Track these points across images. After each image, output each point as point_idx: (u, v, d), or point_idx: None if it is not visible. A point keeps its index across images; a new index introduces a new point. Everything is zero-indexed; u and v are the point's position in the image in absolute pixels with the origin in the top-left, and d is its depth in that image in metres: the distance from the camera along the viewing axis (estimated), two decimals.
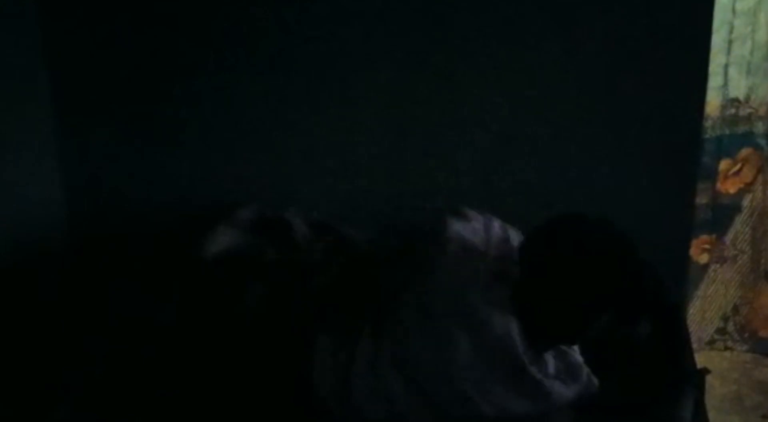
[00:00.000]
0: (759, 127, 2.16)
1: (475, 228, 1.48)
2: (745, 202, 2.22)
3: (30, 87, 2.00)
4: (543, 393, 1.28)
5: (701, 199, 2.12)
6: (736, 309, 2.33)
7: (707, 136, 2.08)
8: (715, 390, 2.12)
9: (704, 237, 2.24)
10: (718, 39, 1.97)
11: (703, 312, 2.33)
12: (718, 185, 2.20)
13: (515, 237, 1.50)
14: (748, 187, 2.21)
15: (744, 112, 2.14)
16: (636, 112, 1.88)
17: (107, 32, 2.01)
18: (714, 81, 2.01)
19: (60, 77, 2.04)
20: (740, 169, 2.20)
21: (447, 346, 1.29)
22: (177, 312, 1.54)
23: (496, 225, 1.51)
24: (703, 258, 2.27)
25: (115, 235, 2.02)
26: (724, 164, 2.19)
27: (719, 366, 2.27)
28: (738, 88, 2.11)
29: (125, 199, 2.09)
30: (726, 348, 2.33)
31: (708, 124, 2.06)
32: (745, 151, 2.18)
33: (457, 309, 1.32)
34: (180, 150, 2.07)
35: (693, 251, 2.17)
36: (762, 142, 2.17)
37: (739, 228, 2.25)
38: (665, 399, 1.35)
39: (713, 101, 2.08)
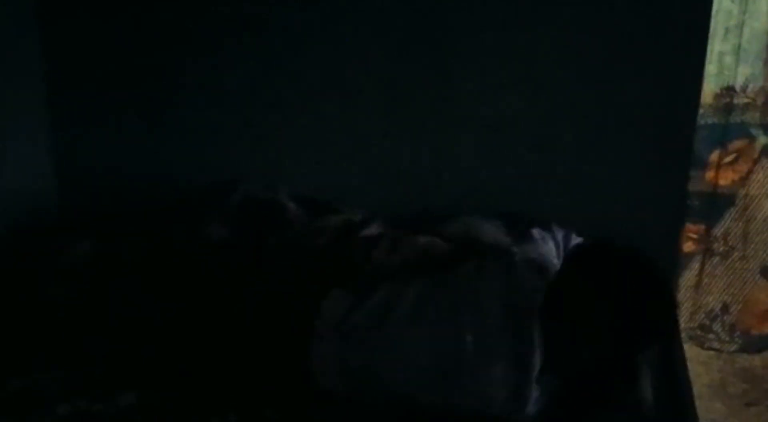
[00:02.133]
0: (756, 118, 2.14)
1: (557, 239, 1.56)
2: (739, 195, 2.21)
3: (23, 75, 2.01)
4: None
5: (689, 187, 2.11)
6: (725, 308, 2.32)
7: (698, 123, 2.06)
8: (699, 378, 2.14)
9: (690, 225, 2.23)
10: (714, 26, 1.95)
11: (687, 302, 2.33)
12: (709, 175, 2.19)
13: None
14: (742, 181, 2.20)
15: (739, 101, 2.12)
16: (631, 99, 1.87)
17: (100, 17, 2.01)
18: (708, 68, 2.00)
19: (53, 65, 2.04)
20: (734, 161, 2.18)
21: None
22: (178, 305, 1.53)
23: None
24: (689, 247, 2.26)
25: (106, 221, 2.00)
26: (715, 154, 2.18)
27: (704, 355, 2.28)
28: (733, 76, 2.10)
29: (117, 184, 2.09)
30: (711, 349, 2.32)
31: (699, 111, 2.04)
32: (738, 142, 2.17)
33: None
34: (171, 134, 2.07)
35: None
36: (757, 132, 2.16)
37: (731, 222, 2.24)
38: (623, 385, 1.35)
39: (707, 89, 2.07)
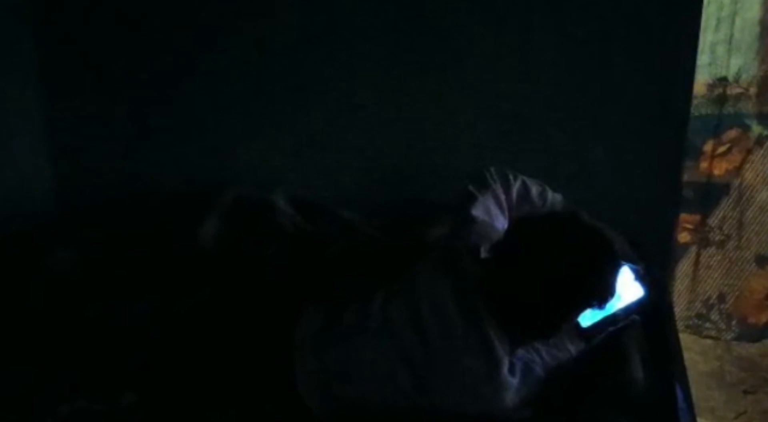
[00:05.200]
0: (749, 108, 2.14)
1: (497, 194, 1.52)
2: (734, 185, 2.22)
3: (19, 77, 2.01)
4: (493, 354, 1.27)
5: (683, 178, 2.11)
6: (721, 296, 2.32)
7: (691, 114, 2.07)
8: (698, 366, 2.14)
9: (686, 216, 2.23)
10: (706, 16, 1.95)
11: (684, 292, 2.33)
12: (703, 165, 2.19)
13: (536, 192, 1.54)
14: (736, 170, 2.20)
15: (732, 91, 2.12)
16: (624, 91, 1.88)
17: (96, 19, 2.01)
18: (701, 59, 2.00)
19: (49, 67, 2.04)
20: (728, 151, 2.19)
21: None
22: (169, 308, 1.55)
23: (518, 184, 1.55)
24: (684, 237, 2.27)
25: (103, 222, 2.00)
26: (709, 144, 2.18)
27: (702, 343, 2.28)
28: (726, 66, 2.10)
29: (113, 186, 2.10)
30: (708, 337, 2.33)
31: (693, 102, 2.05)
32: (732, 132, 2.17)
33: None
34: (167, 135, 2.07)
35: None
36: (751, 122, 2.16)
37: (726, 212, 2.25)
38: (612, 367, 1.35)
39: (700, 80, 2.06)
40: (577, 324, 1.37)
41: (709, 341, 2.29)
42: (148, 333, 1.49)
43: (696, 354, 2.19)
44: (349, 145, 2.01)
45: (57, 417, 1.30)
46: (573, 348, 1.36)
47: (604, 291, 1.27)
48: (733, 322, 2.32)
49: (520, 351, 1.31)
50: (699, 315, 2.33)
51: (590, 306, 1.29)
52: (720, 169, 2.19)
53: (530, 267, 1.24)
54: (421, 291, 1.35)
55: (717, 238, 2.27)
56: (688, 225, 2.26)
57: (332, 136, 2.01)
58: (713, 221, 2.25)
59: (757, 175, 2.20)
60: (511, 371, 1.27)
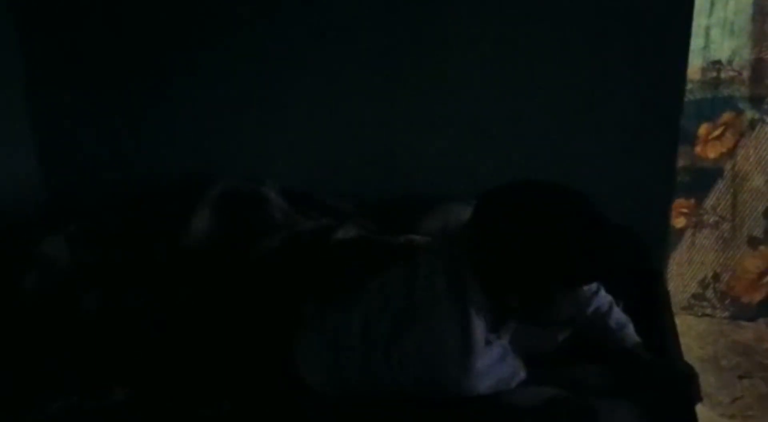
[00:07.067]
0: (742, 91, 2.14)
1: None
2: (727, 167, 2.22)
3: (3, 74, 2.00)
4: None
5: (679, 163, 2.11)
6: (716, 276, 2.34)
7: (686, 99, 2.06)
8: (692, 351, 2.15)
9: (681, 200, 2.24)
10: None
11: (680, 276, 2.34)
12: (698, 149, 2.20)
13: None
14: (729, 153, 2.21)
15: (726, 75, 2.12)
16: (617, 77, 1.86)
17: (81, 12, 1.99)
18: (695, 43, 1.99)
19: (33, 62, 2.04)
20: (722, 134, 2.19)
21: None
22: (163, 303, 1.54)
23: None
24: (680, 222, 2.28)
25: (94, 216, 1.99)
26: (704, 128, 2.18)
27: (697, 328, 2.30)
28: (720, 50, 2.09)
29: (101, 180, 2.09)
30: (705, 315, 2.35)
31: (687, 87, 2.04)
32: (726, 116, 2.17)
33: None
34: (155, 123, 2.06)
35: None
36: (744, 106, 2.16)
37: (720, 194, 2.25)
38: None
39: (694, 64, 2.06)
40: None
41: (704, 326, 2.31)
42: (140, 327, 1.48)
43: (691, 339, 2.20)
44: (340, 137, 1.99)
45: (48, 414, 1.29)
46: (560, 336, 1.36)
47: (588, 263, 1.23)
48: (727, 301, 2.35)
49: (503, 338, 1.31)
50: (695, 295, 2.35)
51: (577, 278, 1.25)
52: (714, 152, 2.20)
53: (512, 235, 1.22)
54: (420, 266, 1.36)
55: (711, 220, 2.28)
56: (684, 210, 2.27)
57: (322, 129, 2.00)
58: (708, 203, 2.26)
59: (750, 159, 2.21)
60: (486, 353, 1.26)
